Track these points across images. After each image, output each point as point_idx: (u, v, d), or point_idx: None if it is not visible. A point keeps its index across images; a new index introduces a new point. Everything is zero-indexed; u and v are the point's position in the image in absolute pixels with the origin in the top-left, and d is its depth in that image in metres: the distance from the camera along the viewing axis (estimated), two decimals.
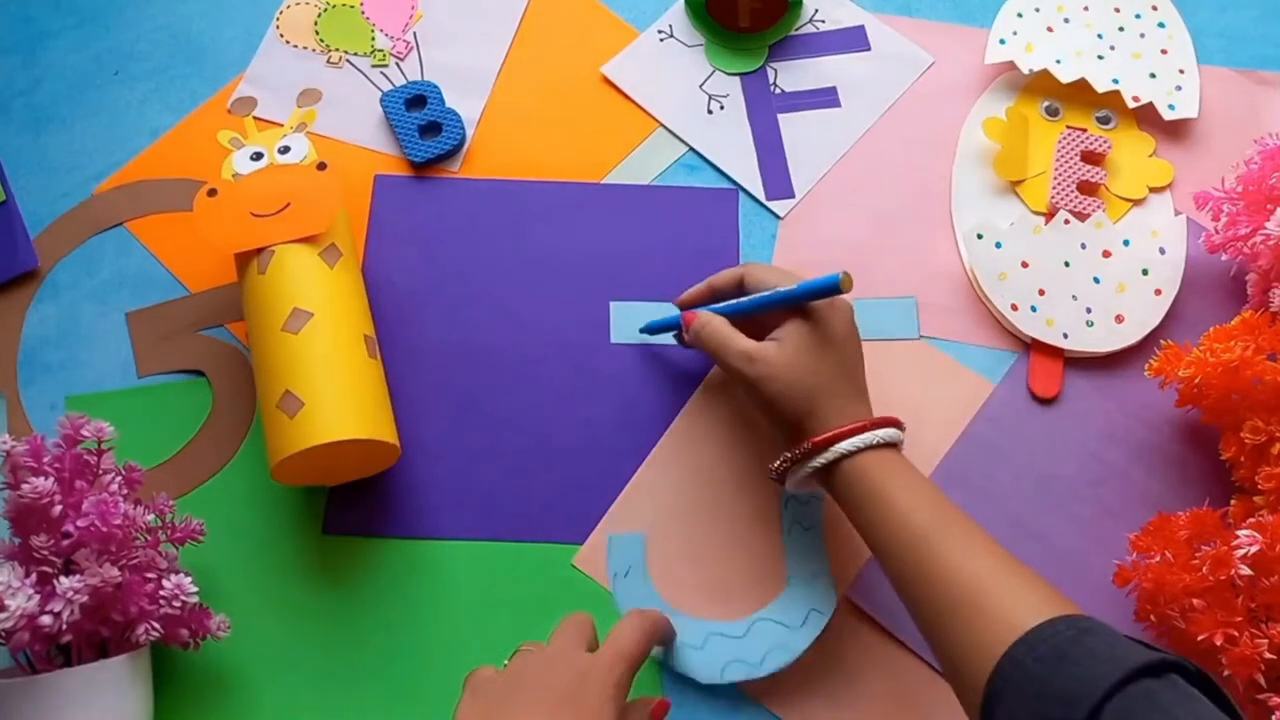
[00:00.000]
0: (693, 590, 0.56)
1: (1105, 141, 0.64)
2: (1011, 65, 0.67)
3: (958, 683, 0.43)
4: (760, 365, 0.51)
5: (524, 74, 0.69)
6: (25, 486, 0.47)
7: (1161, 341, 0.56)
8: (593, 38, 0.70)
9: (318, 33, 0.70)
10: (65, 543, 0.48)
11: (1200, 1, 0.70)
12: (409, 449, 0.58)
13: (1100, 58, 0.67)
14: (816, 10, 0.70)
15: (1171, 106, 0.65)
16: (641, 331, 0.60)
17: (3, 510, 0.49)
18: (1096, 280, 0.61)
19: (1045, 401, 0.60)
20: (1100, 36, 0.67)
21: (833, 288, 0.50)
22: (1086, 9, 0.68)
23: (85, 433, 0.50)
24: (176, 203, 0.65)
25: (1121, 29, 0.68)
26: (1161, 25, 0.68)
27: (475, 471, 0.58)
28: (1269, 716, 0.46)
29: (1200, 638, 0.47)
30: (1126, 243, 0.62)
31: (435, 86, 0.67)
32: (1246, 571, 0.47)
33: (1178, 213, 0.64)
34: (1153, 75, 0.66)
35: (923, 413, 0.58)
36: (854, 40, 0.69)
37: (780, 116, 0.67)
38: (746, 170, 0.65)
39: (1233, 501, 0.54)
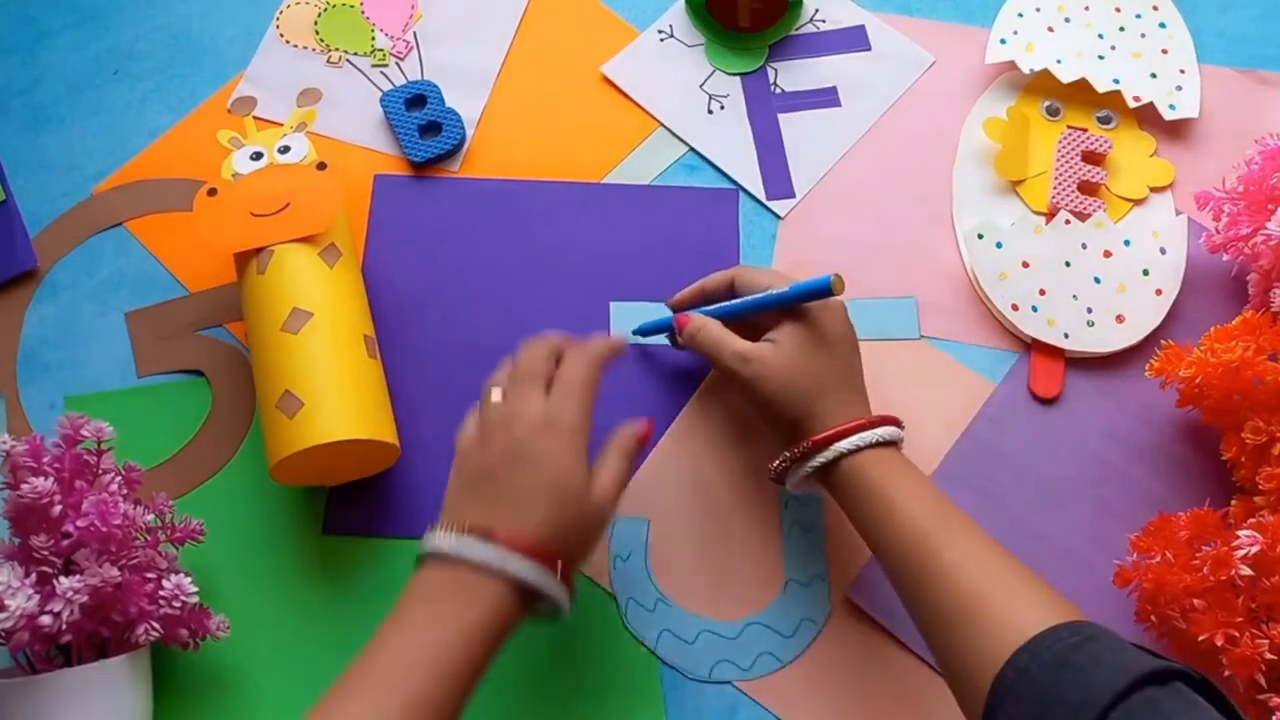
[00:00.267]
0: (690, 584, 0.56)
1: (1106, 141, 0.64)
2: (1012, 65, 0.67)
3: (959, 686, 0.43)
4: (756, 366, 0.51)
5: (524, 74, 0.69)
6: (25, 486, 0.47)
7: (1162, 341, 0.56)
8: (593, 38, 0.70)
9: (318, 32, 0.70)
10: (65, 543, 0.48)
11: (1201, 1, 0.70)
12: (409, 449, 0.58)
13: (1101, 57, 0.67)
14: (817, 10, 0.70)
15: (1172, 106, 0.65)
16: (635, 334, 0.60)
17: (2, 510, 0.49)
18: (1097, 280, 0.61)
19: (1046, 402, 0.59)
20: (1101, 36, 0.67)
21: (824, 290, 0.50)
22: (1087, 9, 0.68)
23: (85, 433, 0.49)
24: (176, 202, 0.65)
25: (1122, 29, 0.68)
26: (1162, 25, 0.68)
27: None
28: (1269, 717, 0.46)
29: (1201, 638, 0.47)
30: (1127, 243, 0.62)
31: (435, 86, 0.67)
32: (1247, 572, 0.47)
33: (1178, 213, 0.64)
34: (1153, 75, 0.66)
35: (923, 413, 0.58)
36: (854, 40, 0.69)
37: (780, 116, 0.67)
38: (747, 170, 0.65)
39: (1233, 502, 0.54)
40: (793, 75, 0.68)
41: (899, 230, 0.64)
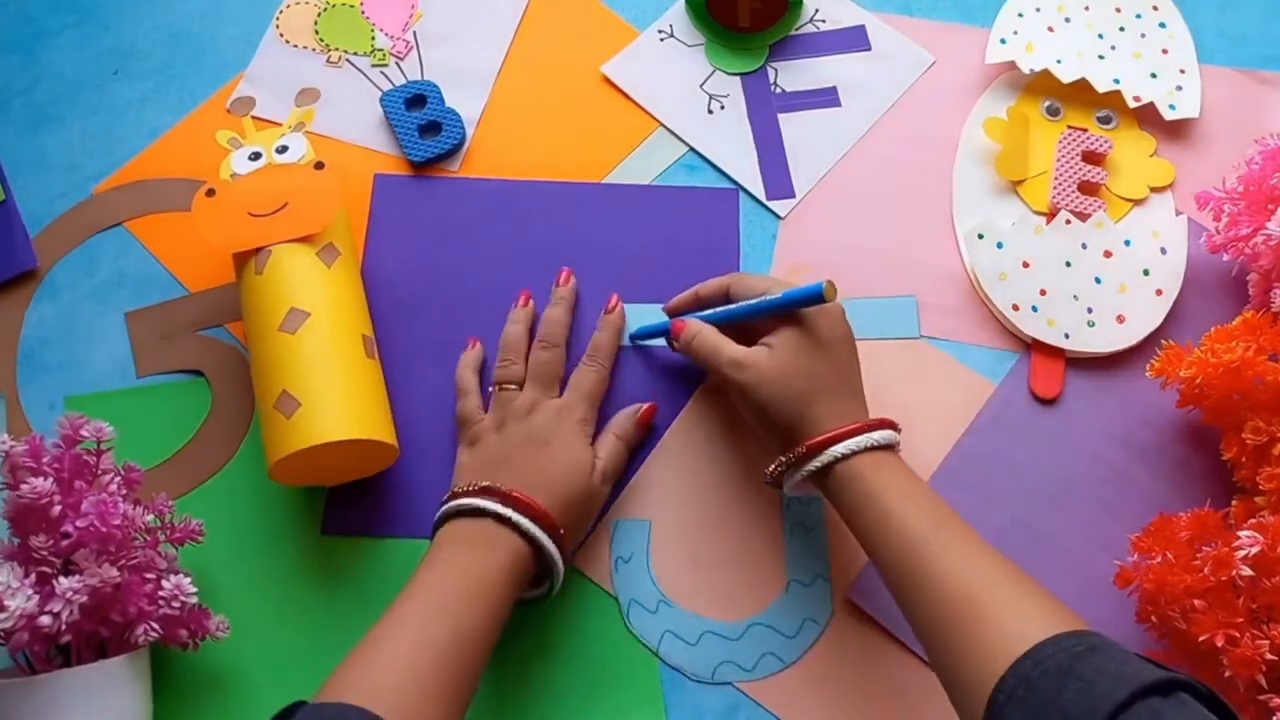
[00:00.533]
0: (692, 585, 0.56)
1: (1106, 141, 0.64)
2: (1012, 65, 0.67)
3: (957, 693, 0.43)
4: (751, 371, 0.51)
5: (524, 74, 0.69)
6: (24, 487, 0.47)
7: (1163, 342, 0.56)
8: (593, 37, 0.70)
9: (317, 32, 0.70)
10: (64, 543, 0.48)
11: (1201, 1, 0.70)
12: (408, 449, 0.58)
13: (1101, 57, 0.67)
14: (817, 10, 0.70)
15: (1172, 106, 0.65)
16: (632, 338, 0.60)
17: (2, 510, 0.49)
18: (1098, 280, 0.61)
19: (1046, 402, 0.59)
20: (1101, 36, 0.67)
21: (816, 296, 0.50)
22: (1087, 9, 0.68)
23: (84, 433, 0.49)
24: (175, 202, 0.65)
25: (1122, 29, 0.68)
26: (1162, 25, 0.68)
27: None
28: (1270, 717, 0.46)
29: (1201, 639, 0.47)
30: (1128, 243, 0.62)
31: (435, 86, 0.67)
32: (1248, 572, 0.47)
33: (1179, 213, 0.64)
34: (1154, 75, 0.66)
35: (923, 413, 0.58)
36: (854, 40, 0.69)
37: (780, 116, 0.67)
38: (747, 170, 0.65)
39: (1234, 502, 0.54)
40: (793, 75, 0.68)
41: (899, 230, 0.64)
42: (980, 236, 0.62)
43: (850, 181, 0.65)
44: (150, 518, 0.51)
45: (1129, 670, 0.38)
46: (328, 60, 0.69)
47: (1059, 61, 0.66)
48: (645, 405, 0.58)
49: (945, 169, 0.65)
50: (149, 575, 0.50)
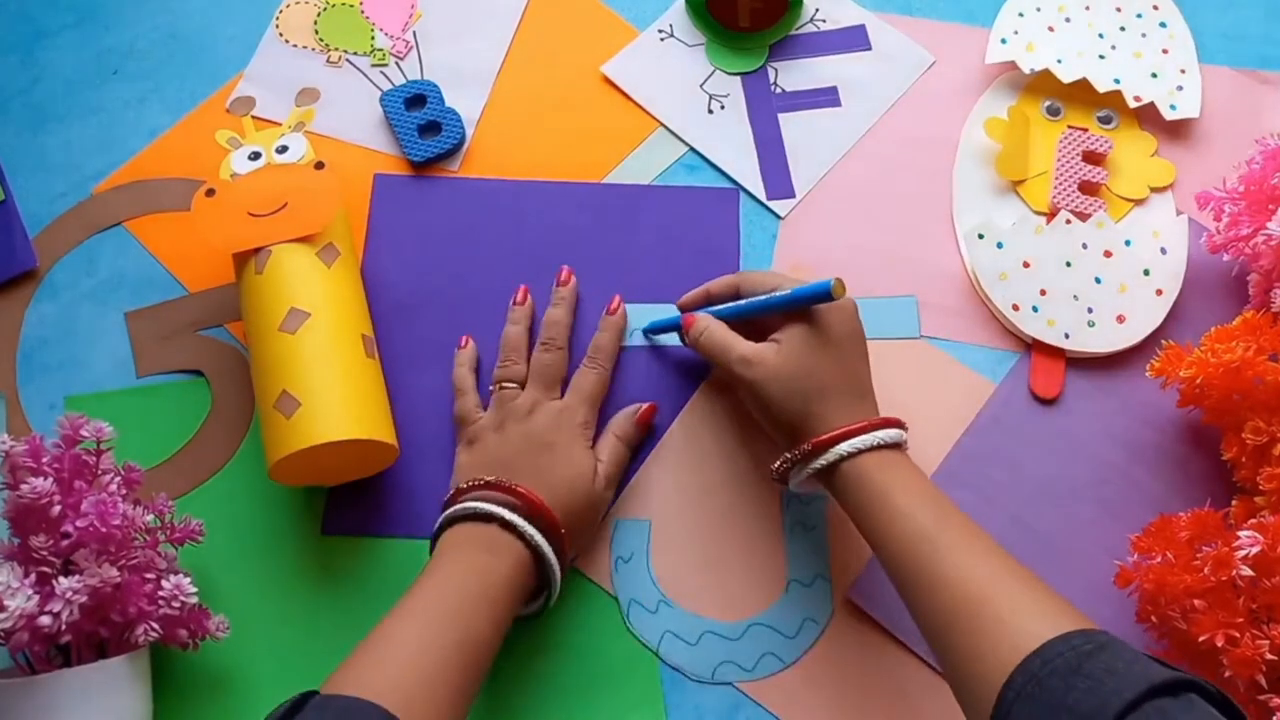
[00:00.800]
0: (692, 585, 0.56)
1: (1106, 141, 0.64)
2: (1013, 65, 0.67)
3: (964, 691, 0.42)
4: (758, 368, 0.51)
5: (524, 74, 0.69)
6: (24, 487, 0.47)
7: (1163, 342, 0.56)
8: (593, 37, 0.70)
9: (317, 32, 0.70)
10: (64, 543, 0.48)
11: (1201, 1, 0.70)
12: (408, 449, 0.58)
13: (1101, 57, 0.67)
14: (817, 10, 0.70)
15: (1173, 106, 0.65)
16: (644, 332, 0.60)
17: (2, 510, 0.49)
18: (1098, 280, 0.61)
19: (1046, 402, 0.59)
20: (1101, 36, 0.67)
21: (824, 294, 0.50)
22: (1088, 8, 0.68)
23: (84, 433, 0.49)
24: (175, 202, 0.65)
25: (1123, 28, 0.68)
26: (1163, 25, 0.68)
27: None
28: (1270, 717, 0.46)
29: (1201, 639, 0.47)
30: (1128, 243, 0.62)
31: (435, 86, 0.67)
32: (1248, 572, 0.47)
33: (1179, 213, 0.64)
34: (1154, 75, 0.66)
35: (923, 413, 0.58)
36: (854, 40, 0.69)
37: (781, 116, 0.67)
38: (747, 170, 0.65)
39: (1234, 502, 0.54)
40: (793, 75, 0.68)
41: (899, 230, 0.64)
42: (980, 236, 0.62)
43: (850, 181, 0.65)
44: (150, 518, 0.51)
45: (1138, 669, 0.37)
46: (328, 60, 0.69)
47: (1059, 61, 0.66)
48: (645, 405, 0.58)
49: (945, 169, 0.65)
50: (149, 575, 0.50)
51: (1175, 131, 0.66)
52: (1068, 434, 0.59)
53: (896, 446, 0.50)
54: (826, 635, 0.54)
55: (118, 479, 0.51)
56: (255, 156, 0.60)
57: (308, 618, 0.55)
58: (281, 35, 0.70)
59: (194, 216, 0.57)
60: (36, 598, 0.45)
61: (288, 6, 0.71)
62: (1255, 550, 0.47)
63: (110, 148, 0.67)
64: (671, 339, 0.60)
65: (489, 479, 0.51)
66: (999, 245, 0.62)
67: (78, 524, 0.47)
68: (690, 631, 0.55)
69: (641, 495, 0.57)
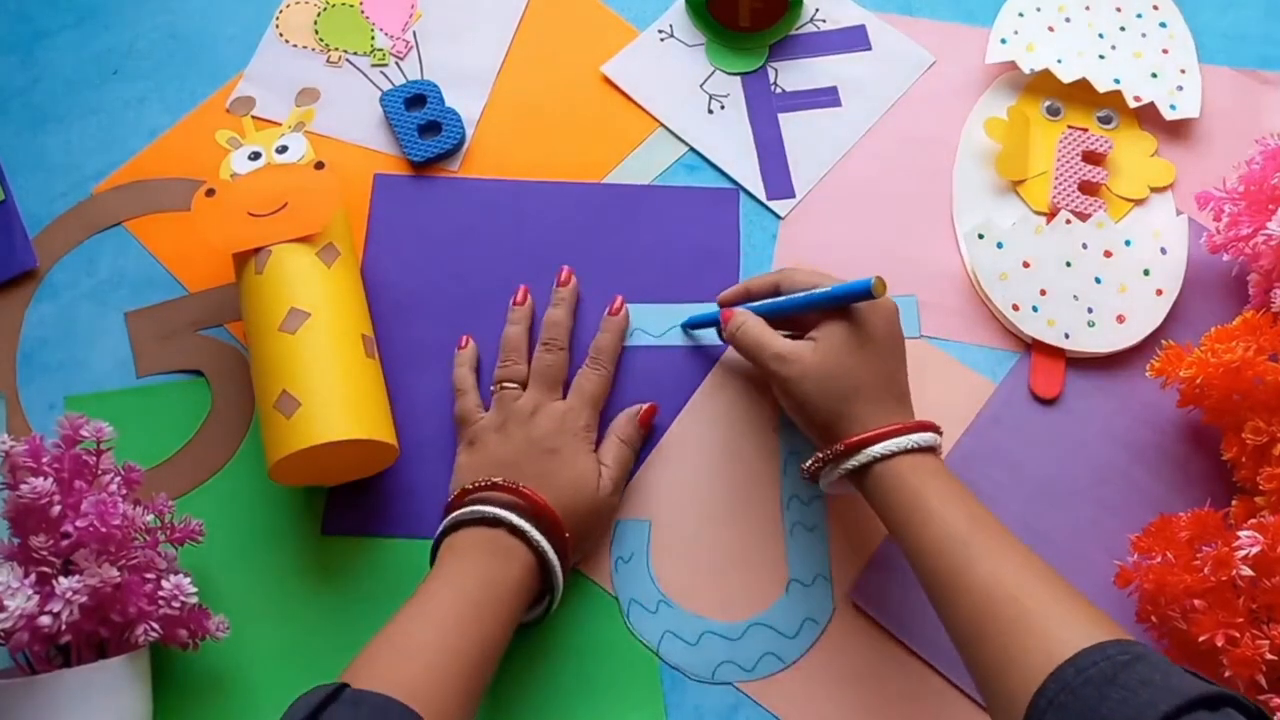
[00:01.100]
0: (692, 585, 0.56)
1: (1106, 141, 0.64)
2: (1013, 65, 0.67)
3: (994, 698, 0.42)
4: (793, 365, 0.51)
5: (524, 74, 0.69)
6: (24, 487, 0.47)
7: (1163, 342, 0.56)
8: (593, 37, 0.70)
9: (317, 32, 0.70)
10: (64, 543, 0.48)
11: (1202, 1, 0.70)
12: (408, 449, 0.58)
13: (1101, 57, 0.67)
14: (817, 10, 0.70)
15: (1173, 106, 0.65)
16: (682, 327, 0.60)
17: (2, 510, 0.49)
18: (1098, 280, 0.61)
19: (1046, 402, 0.59)
20: (1101, 36, 0.67)
21: (864, 292, 0.49)
22: (1088, 8, 0.68)
23: (84, 433, 0.49)
24: (175, 202, 0.65)
25: (1123, 28, 0.68)
26: (1163, 25, 0.68)
27: None
28: (1270, 717, 0.45)
29: (1201, 639, 0.47)
30: (1128, 243, 0.62)
31: (435, 86, 0.67)
32: (1248, 572, 0.47)
33: (1179, 213, 0.64)
34: (1154, 75, 0.66)
35: (923, 413, 0.57)
36: (855, 40, 0.69)
37: (781, 116, 0.67)
38: (747, 170, 0.65)
39: (1234, 502, 0.54)
40: (793, 75, 0.68)
41: (899, 230, 0.64)
42: (980, 236, 0.62)
43: (850, 181, 0.65)
44: (150, 518, 0.51)
45: (1174, 682, 0.37)
46: (327, 60, 0.69)
47: (1059, 61, 0.66)
48: (645, 406, 0.58)
49: (945, 169, 0.65)
50: (149, 575, 0.50)
51: (1175, 131, 0.66)
52: (1068, 434, 0.59)
53: (931, 450, 0.49)
54: (826, 635, 0.54)
55: (118, 479, 0.51)
56: (255, 156, 0.60)
57: (308, 618, 0.55)
58: (281, 35, 0.70)
59: (194, 216, 0.57)
60: (36, 598, 0.45)
61: (288, 6, 0.71)
62: (1255, 550, 0.47)
63: (110, 148, 0.67)
64: (710, 335, 0.60)
65: (495, 480, 0.51)
66: (999, 245, 0.62)
67: (78, 524, 0.47)
68: (690, 631, 0.55)
69: (641, 495, 0.57)
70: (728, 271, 0.62)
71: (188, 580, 0.50)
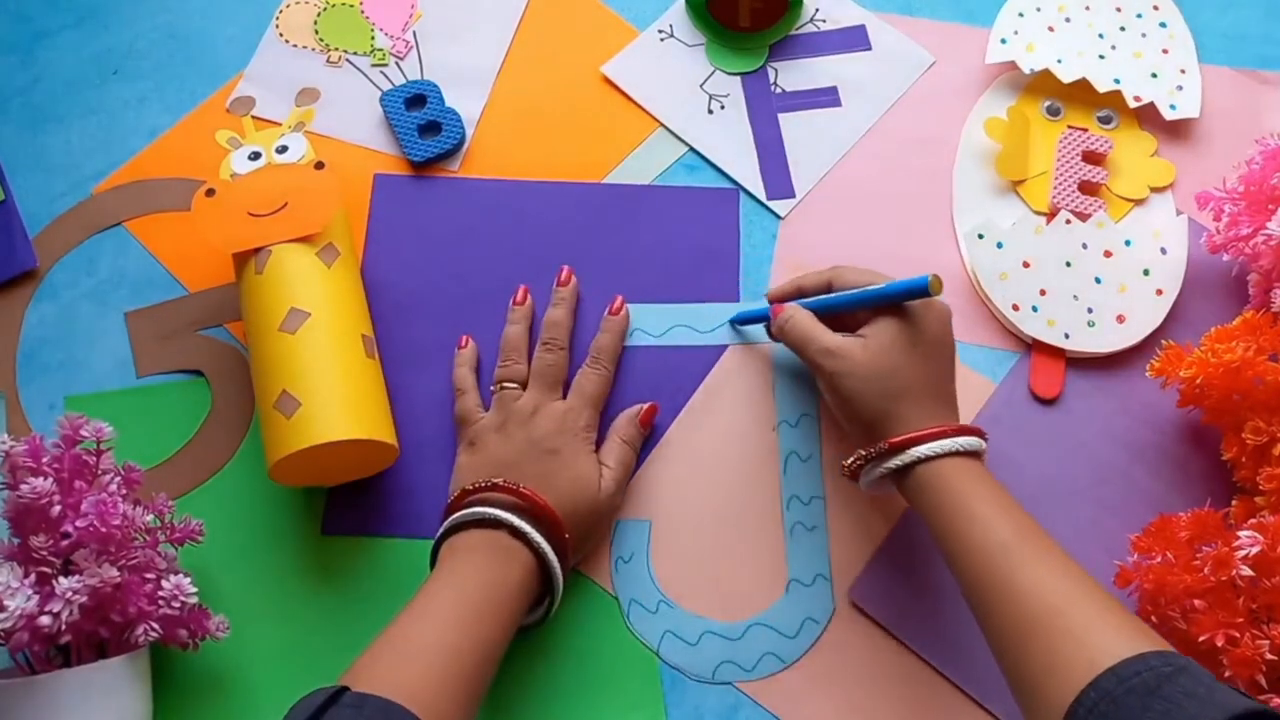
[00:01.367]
0: (692, 585, 0.56)
1: (1106, 141, 0.64)
2: (1013, 65, 0.67)
3: (1032, 704, 0.41)
4: (841, 361, 0.51)
5: (524, 74, 0.69)
6: (24, 487, 0.47)
7: (1163, 342, 0.56)
8: (593, 37, 0.70)
9: (317, 32, 0.70)
10: (64, 543, 0.48)
11: (1202, 1, 0.70)
12: (408, 449, 0.58)
13: (1101, 57, 0.67)
14: (817, 10, 0.70)
15: (1173, 106, 0.65)
16: (731, 323, 0.60)
17: (2, 510, 0.49)
18: (1098, 280, 0.61)
19: (1046, 402, 0.59)
20: (1101, 36, 0.67)
21: (921, 289, 0.49)
22: (1088, 8, 0.68)
23: (84, 433, 0.49)
24: (175, 202, 0.65)
25: (1123, 28, 0.68)
26: (1163, 25, 0.68)
27: None
28: None
29: (1201, 639, 0.47)
30: (1128, 243, 0.62)
31: (435, 86, 0.67)
32: (1248, 572, 0.47)
33: (1179, 213, 0.64)
34: (1154, 75, 0.66)
35: None
36: (855, 40, 0.69)
37: (781, 116, 0.67)
38: (747, 170, 0.65)
39: (1234, 502, 0.54)
40: (793, 75, 0.68)
41: (899, 230, 0.64)
42: (980, 236, 0.62)
43: (850, 181, 0.65)
44: (150, 518, 0.51)
45: (1219, 697, 0.36)
46: (328, 60, 0.69)
47: (1059, 61, 0.66)
48: (646, 406, 0.58)
49: (945, 169, 0.65)
50: (149, 575, 0.50)
51: (1175, 131, 0.66)
52: (1068, 434, 0.59)
53: (976, 455, 0.49)
54: (826, 635, 0.54)
55: (118, 479, 0.51)
56: (255, 156, 0.60)
57: (308, 618, 0.55)
58: (281, 35, 0.70)
59: (194, 216, 0.57)
60: (36, 598, 0.45)
61: (288, 6, 0.71)
62: (1255, 550, 0.47)
63: (110, 148, 0.67)
64: (758, 333, 0.60)
65: (496, 480, 0.51)
66: (999, 245, 0.62)
67: (78, 524, 0.47)
68: (690, 631, 0.55)
69: (641, 495, 0.57)
70: (728, 271, 0.62)
71: (188, 580, 0.50)
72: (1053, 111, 0.66)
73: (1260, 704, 0.36)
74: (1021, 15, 0.68)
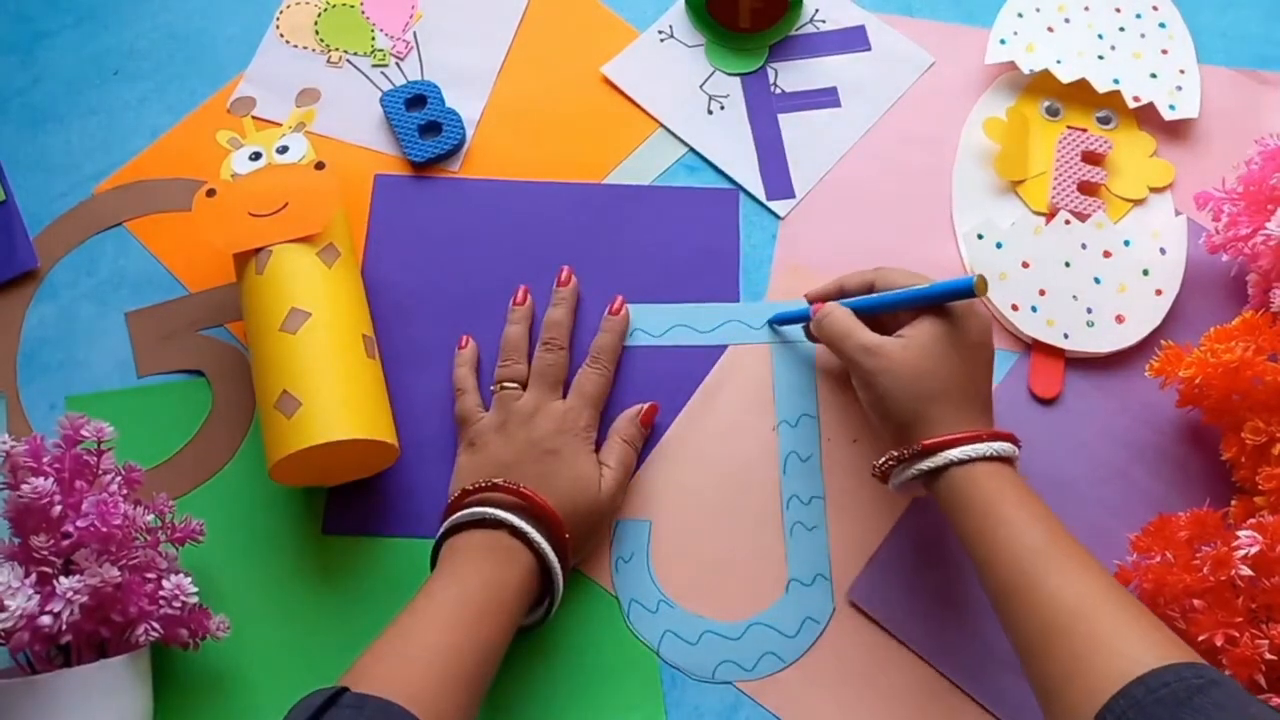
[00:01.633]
0: (692, 585, 0.56)
1: (1106, 142, 0.64)
2: (1012, 65, 0.67)
3: (1057, 710, 0.41)
4: (879, 359, 0.50)
5: (524, 74, 0.69)
6: (25, 487, 0.47)
7: (1162, 342, 0.56)
8: (593, 38, 0.70)
9: (317, 32, 0.70)
10: (65, 543, 0.48)
11: (1201, 1, 0.70)
12: (408, 449, 0.58)
13: (1101, 58, 0.67)
14: (817, 10, 0.70)
15: (1172, 106, 0.65)
16: (770, 323, 0.60)
17: (3, 510, 0.49)
18: (1097, 280, 0.61)
19: (1046, 402, 0.59)
20: (1101, 36, 0.67)
21: (966, 290, 0.49)
22: (1087, 9, 0.68)
23: (85, 433, 0.49)
24: (176, 202, 0.65)
25: (1122, 29, 0.68)
26: (1162, 25, 0.68)
27: None
28: None
29: (1201, 638, 0.47)
30: (1127, 243, 0.62)
31: (435, 86, 0.67)
32: (1247, 572, 0.47)
33: (1178, 213, 0.64)
34: (1153, 75, 0.66)
35: None
36: (854, 40, 0.69)
37: (780, 116, 0.67)
38: (747, 170, 0.65)
39: (1233, 502, 0.54)
40: (793, 75, 0.68)
41: (899, 230, 0.64)
42: (980, 236, 0.62)
43: (850, 181, 0.65)
44: (150, 518, 0.51)
45: (1253, 710, 0.36)
46: (328, 60, 0.69)
47: (1059, 62, 0.66)
48: (646, 405, 0.58)
49: (945, 169, 0.66)
50: (149, 575, 0.50)
51: (1174, 132, 0.66)
52: (1068, 434, 0.59)
53: (1009, 461, 0.49)
54: (826, 635, 0.55)
55: (118, 479, 0.51)
56: (256, 157, 0.60)
57: (308, 618, 0.55)
58: (282, 35, 0.70)
59: (195, 216, 0.57)
60: (37, 597, 0.45)
61: (288, 7, 0.71)
62: (1254, 550, 0.47)
63: (110, 148, 0.67)
64: (796, 332, 0.60)
65: (496, 481, 0.51)
66: (998, 245, 0.62)
67: (78, 524, 0.47)
68: (690, 631, 0.55)
69: (641, 495, 0.58)
70: (727, 272, 0.63)
71: (188, 580, 0.50)
72: (1052, 112, 0.66)
73: None
74: (1021, 16, 0.68)
